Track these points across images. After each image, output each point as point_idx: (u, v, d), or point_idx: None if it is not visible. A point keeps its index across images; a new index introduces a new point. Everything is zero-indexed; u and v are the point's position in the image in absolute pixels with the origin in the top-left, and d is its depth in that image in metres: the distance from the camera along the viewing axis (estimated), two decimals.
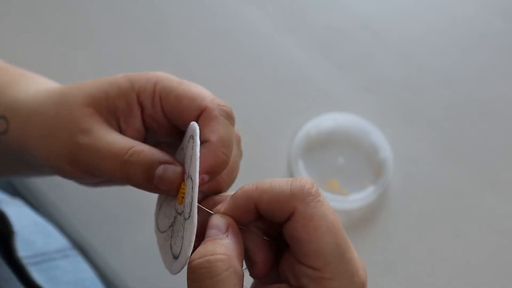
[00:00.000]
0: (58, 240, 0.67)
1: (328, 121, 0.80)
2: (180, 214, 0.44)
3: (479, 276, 0.72)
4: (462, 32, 0.89)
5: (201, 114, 0.46)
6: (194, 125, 0.45)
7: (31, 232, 0.65)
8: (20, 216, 0.66)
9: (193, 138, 0.44)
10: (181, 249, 0.43)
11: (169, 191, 0.45)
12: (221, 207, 0.42)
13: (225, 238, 0.41)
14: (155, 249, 0.73)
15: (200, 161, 0.43)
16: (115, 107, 0.47)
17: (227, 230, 0.41)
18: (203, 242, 0.41)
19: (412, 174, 0.78)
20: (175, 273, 0.43)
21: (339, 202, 0.75)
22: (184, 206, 0.44)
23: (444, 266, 0.72)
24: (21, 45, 0.87)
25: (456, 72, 0.86)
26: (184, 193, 0.44)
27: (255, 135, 0.80)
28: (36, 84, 0.52)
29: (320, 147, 0.79)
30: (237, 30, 0.89)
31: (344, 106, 0.83)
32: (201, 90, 0.48)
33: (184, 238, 0.42)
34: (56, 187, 0.76)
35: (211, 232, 0.41)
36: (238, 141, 0.49)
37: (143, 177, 0.45)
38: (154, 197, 0.75)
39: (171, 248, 0.45)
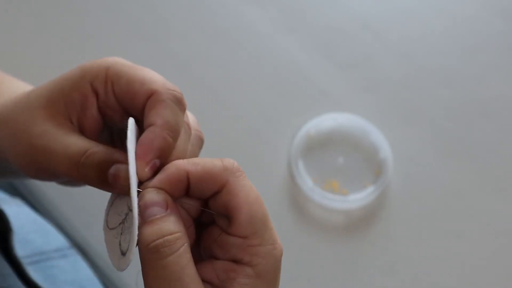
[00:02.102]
0: (56, 240, 0.67)
1: (328, 121, 0.80)
2: (131, 210, 0.44)
3: (479, 276, 0.72)
4: (462, 32, 0.89)
5: (150, 97, 0.46)
6: (130, 119, 0.44)
7: (29, 231, 0.65)
8: (19, 215, 0.66)
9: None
10: (128, 244, 0.43)
11: (123, 190, 0.45)
12: (156, 182, 0.43)
13: (171, 214, 0.42)
14: None
15: (145, 146, 0.43)
16: (71, 100, 0.47)
17: (167, 206, 0.42)
18: (149, 221, 0.42)
19: (412, 174, 0.78)
20: (122, 270, 0.43)
21: (339, 202, 0.75)
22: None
23: (444, 266, 0.72)
24: (21, 45, 0.87)
25: (456, 72, 0.86)
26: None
27: (255, 135, 0.80)
28: (7, 90, 0.52)
29: (320, 147, 0.79)
30: (237, 30, 0.89)
31: (344, 106, 0.83)
32: (153, 75, 0.47)
33: (132, 233, 0.42)
34: (56, 186, 0.76)
35: (153, 210, 0.42)
36: (189, 134, 0.48)
37: (97, 179, 0.45)
38: None
39: (120, 245, 0.44)
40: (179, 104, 0.45)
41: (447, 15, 0.91)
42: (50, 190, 0.77)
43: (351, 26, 0.90)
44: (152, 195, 0.42)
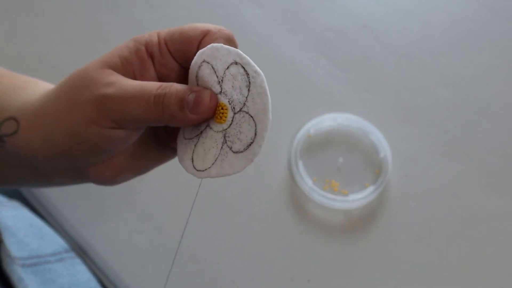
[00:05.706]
0: (53, 243, 0.67)
1: (328, 121, 0.80)
2: (227, 128, 0.47)
3: (479, 276, 0.72)
4: (462, 32, 0.89)
5: (204, 38, 0.49)
6: (210, 47, 0.48)
7: (26, 235, 0.65)
8: (16, 218, 0.66)
9: (208, 63, 0.48)
10: (255, 132, 0.46)
11: (206, 113, 0.47)
12: None
13: None
14: (155, 249, 0.73)
15: None
16: (129, 63, 0.49)
17: None
18: None
19: (411, 174, 0.78)
20: (259, 151, 0.46)
21: (339, 202, 0.75)
22: (232, 111, 0.47)
23: (443, 266, 0.72)
24: (22, 45, 0.87)
25: (456, 72, 0.86)
26: (223, 112, 0.48)
27: None
28: (44, 86, 0.53)
29: (320, 147, 0.79)
30: (237, 30, 0.89)
31: (344, 106, 0.83)
32: (202, 23, 0.50)
33: (255, 118, 0.47)
34: (57, 187, 0.76)
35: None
36: None
37: (178, 105, 0.46)
38: (154, 197, 0.75)
39: (234, 153, 0.47)
40: (232, 42, 0.49)
41: (447, 15, 0.91)
42: (50, 189, 0.77)
43: (351, 26, 0.90)
44: None
